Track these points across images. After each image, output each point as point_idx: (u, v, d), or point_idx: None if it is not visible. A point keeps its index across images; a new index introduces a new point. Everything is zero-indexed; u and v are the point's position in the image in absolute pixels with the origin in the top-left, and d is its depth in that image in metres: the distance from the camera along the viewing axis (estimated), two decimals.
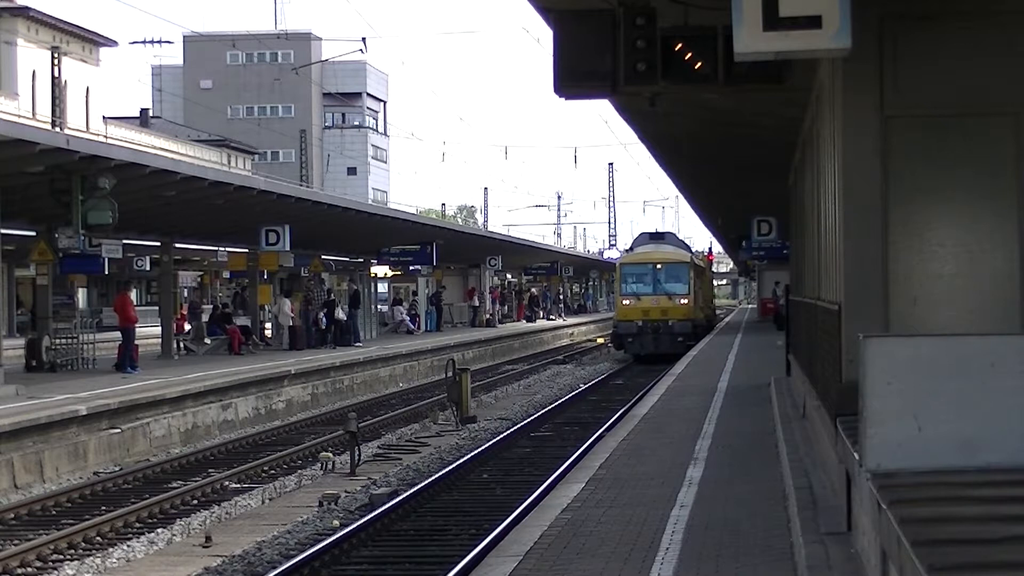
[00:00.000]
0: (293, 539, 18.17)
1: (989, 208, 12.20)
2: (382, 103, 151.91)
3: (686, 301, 55.66)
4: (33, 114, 71.24)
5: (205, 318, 48.48)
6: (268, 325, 52.16)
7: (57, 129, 55.26)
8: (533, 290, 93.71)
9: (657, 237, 61.91)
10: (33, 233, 35.15)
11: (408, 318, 63.49)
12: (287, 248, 42.04)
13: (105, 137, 74.38)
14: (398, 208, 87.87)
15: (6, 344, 33.23)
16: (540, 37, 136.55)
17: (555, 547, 12.47)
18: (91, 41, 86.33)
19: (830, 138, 14.04)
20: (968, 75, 12.04)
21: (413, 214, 72.11)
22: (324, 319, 48.48)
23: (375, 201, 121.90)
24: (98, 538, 18.74)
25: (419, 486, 21.86)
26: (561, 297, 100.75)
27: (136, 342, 36.34)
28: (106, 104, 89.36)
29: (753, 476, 16.56)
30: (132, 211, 31.59)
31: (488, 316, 74.48)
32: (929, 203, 12.29)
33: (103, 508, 20.90)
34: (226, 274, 62.73)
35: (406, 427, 32.27)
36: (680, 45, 13.13)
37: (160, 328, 43.76)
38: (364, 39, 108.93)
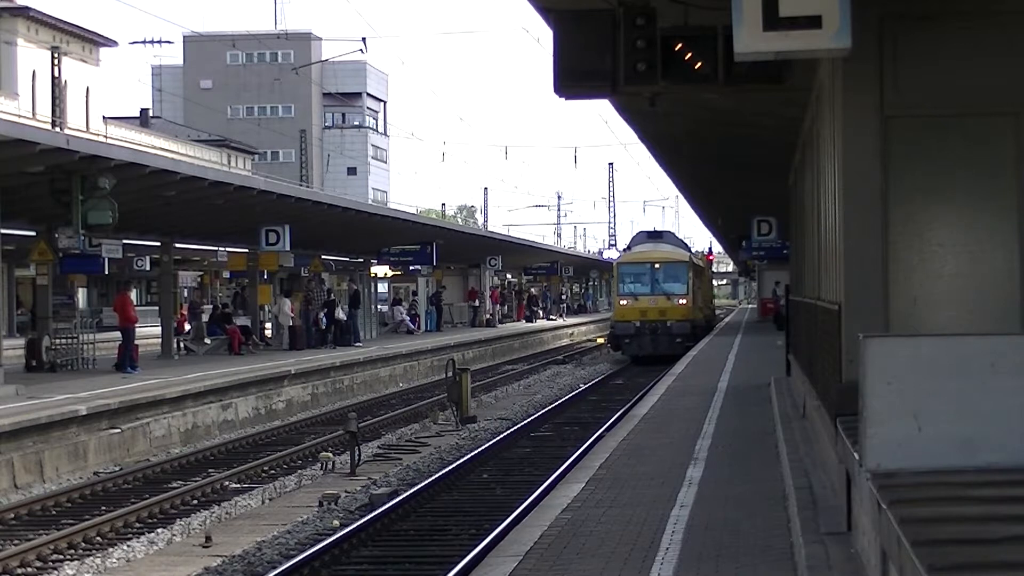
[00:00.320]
0: (293, 539, 18.17)
1: (989, 208, 12.20)
2: (382, 103, 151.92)
3: (685, 301, 55.02)
4: (33, 114, 71.26)
5: (205, 318, 48.47)
6: (268, 325, 52.16)
7: (57, 129, 55.26)
8: (532, 290, 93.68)
9: (655, 236, 60.86)
10: (33, 233, 35.16)
11: (408, 318, 63.49)
12: (287, 248, 42.04)
13: (105, 137, 74.37)
14: (398, 208, 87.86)
15: (6, 344, 33.24)
16: (540, 37, 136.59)
17: (555, 547, 12.47)
18: (91, 41, 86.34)
19: (830, 138, 14.04)
20: (968, 75, 12.04)
21: (413, 214, 72.10)
22: (324, 319, 48.47)
23: (375, 201, 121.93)
24: (98, 538, 18.74)
25: (419, 486, 21.86)
26: (563, 297, 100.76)
27: (136, 342, 36.34)
28: (106, 104, 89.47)
29: (753, 476, 16.55)
30: (132, 211, 31.58)
31: (488, 316, 74.50)
32: (929, 203, 12.29)
33: (103, 508, 20.89)
34: (226, 274, 62.71)
35: (406, 427, 32.27)
36: (680, 45, 13.12)
37: (160, 328, 43.76)
38: (364, 39, 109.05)
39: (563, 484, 17.12)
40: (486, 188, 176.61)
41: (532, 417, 33.56)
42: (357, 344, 48.73)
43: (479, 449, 26.86)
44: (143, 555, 17.67)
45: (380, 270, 61.43)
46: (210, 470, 25.12)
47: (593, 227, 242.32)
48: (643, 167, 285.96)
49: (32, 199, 29.97)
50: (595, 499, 15.19)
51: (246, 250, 46.36)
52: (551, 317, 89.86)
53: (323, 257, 52.50)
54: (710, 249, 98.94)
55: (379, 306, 63.82)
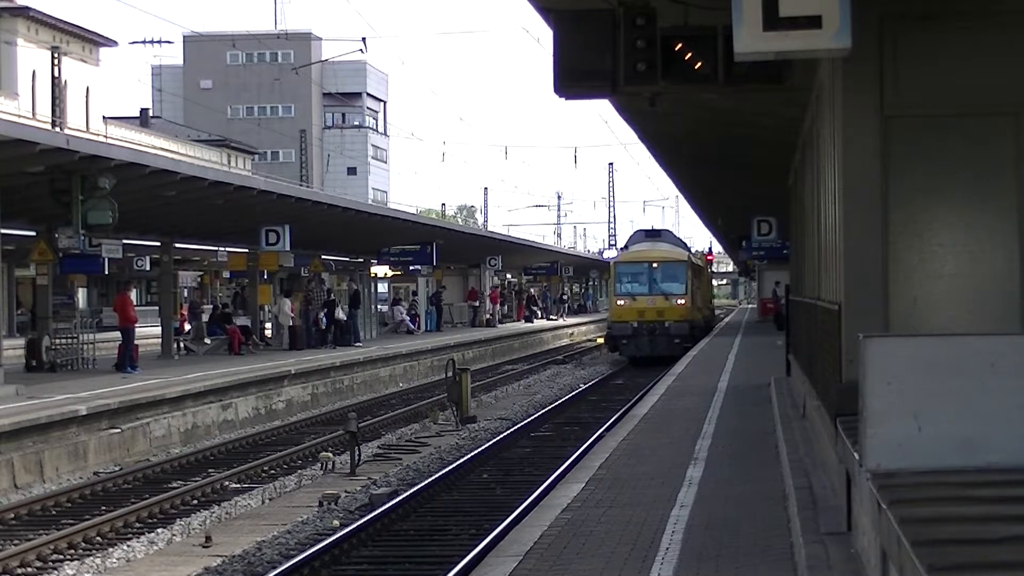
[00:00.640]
0: (293, 539, 18.17)
1: (989, 208, 12.20)
2: (382, 103, 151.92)
3: (683, 301, 54.15)
4: (33, 114, 71.24)
5: (205, 318, 48.48)
6: (268, 325, 52.16)
7: (57, 129, 55.26)
8: (532, 290, 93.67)
9: (653, 235, 59.61)
10: (33, 233, 35.16)
11: (408, 318, 63.49)
12: (287, 248, 42.04)
13: (105, 137, 74.37)
14: (398, 208, 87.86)
15: (6, 344, 33.24)
16: (540, 37, 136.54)
17: (555, 547, 12.47)
18: (91, 41, 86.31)
19: (830, 138, 14.04)
20: (968, 75, 12.05)
21: (413, 214, 72.10)
22: (324, 319, 48.47)
23: (375, 201, 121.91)
24: (98, 538, 18.74)
25: (419, 486, 21.86)
26: (564, 297, 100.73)
27: (136, 342, 36.35)
28: (106, 104, 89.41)
29: (753, 476, 16.55)
30: (132, 211, 31.59)
31: (488, 316, 74.50)
32: (929, 203, 12.29)
33: (103, 508, 20.89)
34: (226, 274, 62.72)
35: (406, 427, 32.27)
36: (680, 45, 13.12)
37: (160, 328, 43.76)
38: (364, 39, 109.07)
39: (563, 484, 17.12)
40: (486, 188, 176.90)
41: (532, 417, 33.56)
42: (357, 344, 48.74)
43: (479, 449, 26.86)
44: (143, 555, 17.67)
45: (380, 270, 61.42)
46: (210, 470, 25.12)
47: (593, 227, 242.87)
48: (643, 167, 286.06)
49: (32, 199, 29.97)
50: (595, 499, 15.19)
51: (246, 250, 46.37)
52: (551, 317, 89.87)
53: (323, 257, 52.50)
54: (710, 249, 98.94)
55: (379, 306, 63.81)
